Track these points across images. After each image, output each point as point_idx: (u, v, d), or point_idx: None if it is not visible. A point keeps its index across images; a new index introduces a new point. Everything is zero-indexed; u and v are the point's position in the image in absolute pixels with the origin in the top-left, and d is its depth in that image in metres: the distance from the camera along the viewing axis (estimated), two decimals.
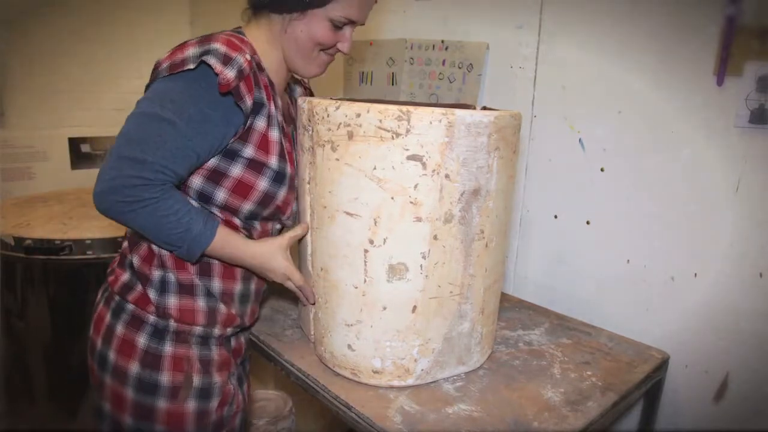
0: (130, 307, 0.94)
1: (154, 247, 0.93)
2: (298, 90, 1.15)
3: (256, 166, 0.91)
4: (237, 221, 0.96)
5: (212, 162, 0.90)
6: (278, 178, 0.94)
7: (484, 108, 1.03)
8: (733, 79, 1.02)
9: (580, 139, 1.29)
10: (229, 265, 0.98)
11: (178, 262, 0.93)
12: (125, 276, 0.96)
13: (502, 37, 1.41)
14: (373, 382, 0.96)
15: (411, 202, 0.86)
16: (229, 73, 0.83)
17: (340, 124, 0.86)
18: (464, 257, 0.91)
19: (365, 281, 0.90)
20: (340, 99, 0.93)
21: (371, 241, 0.88)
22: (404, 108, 0.82)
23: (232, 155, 0.90)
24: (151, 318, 0.93)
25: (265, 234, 1.02)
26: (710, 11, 1.04)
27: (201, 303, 0.95)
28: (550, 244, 1.40)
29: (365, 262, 0.89)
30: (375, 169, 0.85)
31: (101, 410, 0.97)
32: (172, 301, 0.93)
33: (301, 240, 1.04)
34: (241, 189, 0.92)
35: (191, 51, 0.84)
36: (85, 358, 1.01)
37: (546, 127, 1.36)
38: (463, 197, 0.88)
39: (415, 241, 0.88)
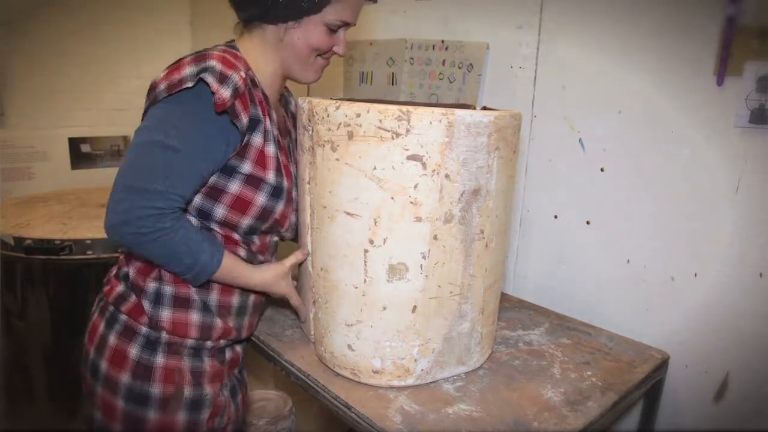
0: (123, 317, 0.94)
1: None
2: (292, 102, 1.16)
3: (253, 181, 0.92)
4: (236, 236, 0.97)
5: (211, 179, 0.90)
6: (276, 192, 0.94)
7: (484, 108, 1.03)
8: (733, 79, 1.02)
9: (580, 139, 1.29)
10: None
11: (176, 276, 0.93)
12: (120, 287, 0.96)
13: (502, 37, 1.41)
14: (373, 382, 0.96)
15: (411, 202, 0.86)
16: (225, 93, 0.83)
17: (340, 124, 0.86)
18: (464, 257, 0.91)
19: (365, 281, 0.90)
20: (340, 99, 0.93)
21: (371, 241, 0.88)
22: (404, 108, 0.82)
23: (230, 172, 0.90)
24: (144, 329, 0.93)
25: (263, 247, 1.03)
26: (710, 11, 1.04)
27: (195, 317, 0.95)
28: (550, 244, 1.40)
29: (365, 262, 0.89)
30: (375, 169, 0.85)
31: (93, 418, 0.97)
32: (166, 314, 0.93)
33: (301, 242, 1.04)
34: (240, 205, 0.92)
35: (188, 70, 0.84)
36: None
37: (546, 127, 1.36)
38: (463, 197, 0.88)
39: (415, 241, 0.88)
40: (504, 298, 1.37)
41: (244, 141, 0.89)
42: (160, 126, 0.84)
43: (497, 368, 1.05)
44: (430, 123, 0.82)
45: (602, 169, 1.26)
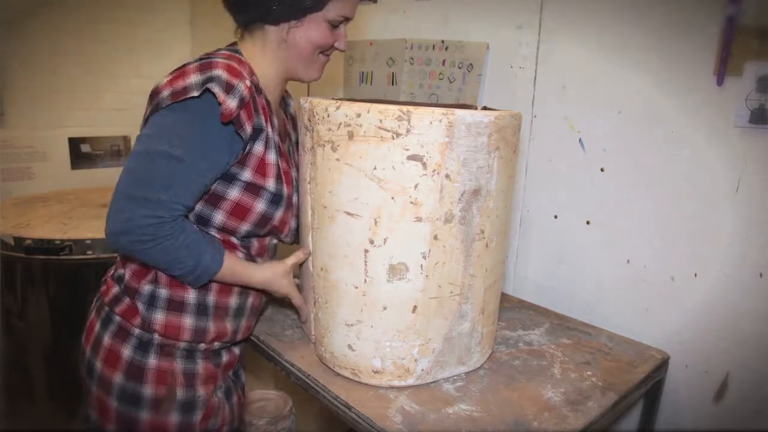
0: (117, 318, 0.94)
1: None
2: (291, 104, 1.16)
3: (253, 189, 0.92)
4: (235, 240, 0.97)
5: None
6: (275, 199, 0.94)
7: (485, 108, 1.03)
8: (733, 79, 1.02)
9: (580, 139, 1.29)
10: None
11: (173, 279, 0.93)
12: (116, 288, 0.96)
13: (502, 37, 1.41)
14: (374, 382, 0.96)
15: (411, 202, 0.86)
16: (232, 103, 0.82)
17: (341, 124, 0.86)
18: (464, 257, 0.91)
19: (365, 281, 0.90)
20: (340, 99, 0.93)
21: (371, 241, 0.88)
22: (404, 108, 0.82)
23: (230, 179, 0.90)
24: (137, 330, 0.93)
25: (262, 249, 1.03)
26: (710, 11, 1.04)
27: (188, 320, 0.95)
28: (550, 244, 1.40)
29: (365, 262, 0.89)
30: (375, 169, 0.85)
31: (89, 417, 0.98)
32: (159, 317, 0.93)
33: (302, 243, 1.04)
34: (239, 211, 0.92)
35: (193, 78, 0.83)
36: None
37: (546, 127, 1.36)
38: (463, 197, 0.88)
39: (415, 241, 0.88)
40: (504, 298, 1.37)
41: (246, 149, 0.89)
42: (163, 134, 0.83)
43: (497, 368, 1.05)
44: (431, 123, 0.82)
45: (602, 169, 1.26)
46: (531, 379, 1.01)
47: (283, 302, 1.26)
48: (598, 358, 1.10)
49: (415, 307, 0.91)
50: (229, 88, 0.83)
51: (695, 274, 1.13)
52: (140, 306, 0.93)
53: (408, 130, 0.82)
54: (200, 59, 0.87)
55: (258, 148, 0.90)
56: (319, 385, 0.98)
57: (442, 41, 1.54)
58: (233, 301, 1.00)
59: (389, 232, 0.87)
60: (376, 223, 0.87)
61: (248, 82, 0.86)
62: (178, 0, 2.63)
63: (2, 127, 2.14)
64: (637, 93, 1.17)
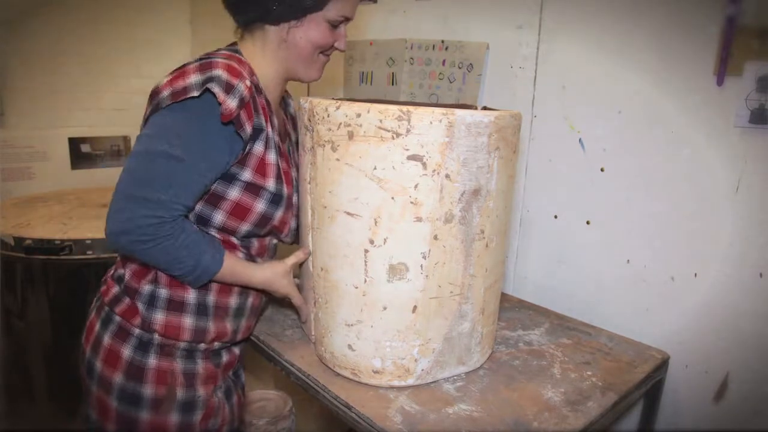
0: (117, 318, 0.94)
1: None
2: (292, 104, 1.15)
3: (253, 189, 0.92)
4: (235, 240, 0.97)
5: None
6: (275, 199, 0.94)
7: (485, 108, 1.03)
8: (733, 79, 1.02)
9: (580, 139, 1.29)
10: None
11: (173, 279, 0.93)
12: (116, 288, 0.97)
13: (502, 37, 1.41)
14: (374, 382, 0.96)
15: (411, 202, 0.86)
16: (232, 103, 0.82)
17: (341, 124, 0.86)
18: (464, 257, 0.91)
19: (365, 281, 0.90)
20: (340, 99, 0.93)
21: (371, 241, 0.88)
22: (404, 108, 0.82)
23: (230, 179, 0.90)
24: (137, 330, 0.93)
25: (262, 249, 1.03)
26: (710, 11, 1.04)
27: (188, 320, 0.95)
28: (550, 244, 1.40)
29: (365, 262, 0.89)
30: (375, 169, 0.85)
31: (89, 417, 0.98)
32: (159, 317, 0.93)
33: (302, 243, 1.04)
34: (239, 211, 0.92)
35: (193, 78, 0.83)
36: None
37: (546, 127, 1.36)
38: (463, 197, 0.88)
39: (415, 241, 0.88)
40: (504, 298, 1.37)
41: (246, 149, 0.89)
42: (163, 134, 0.83)
43: (497, 368, 1.05)
44: (431, 123, 0.82)
45: (602, 169, 1.26)
46: (531, 379, 1.01)
47: (283, 302, 1.26)
48: (598, 358, 1.10)
49: (415, 307, 0.91)
50: (229, 88, 0.82)
51: (695, 274, 1.13)
52: (140, 306, 0.93)
53: (408, 130, 0.82)
54: (200, 59, 0.87)
55: (258, 148, 0.90)
56: (319, 385, 0.98)
57: (442, 41, 1.54)
58: (233, 301, 1.00)
59: (389, 232, 0.87)
60: (376, 223, 0.87)
61: (248, 82, 0.86)
62: (178, 0, 2.63)
63: (2, 127, 2.14)
64: (637, 93, 1.17)
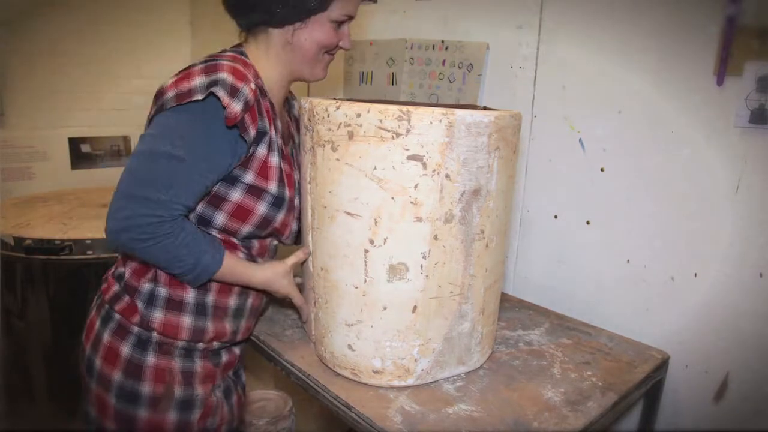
0: (117, 316, 0.95)
1: None
2: (296, 106, 1.15)
3: (255, 191, 0.92)
4: (235, 241, 0.97)
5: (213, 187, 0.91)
6: (277, 202, 0.94)
7: (485, 108, 1.03)
8: (733, 79, 1.02)
9: (580, 139, 1.29)
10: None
11: (173, 278, 0.93)
12: (116, 286, 0.97)
13: (502, 37, 1.41)
14: (374, 382, 0.96)
15: (411, 202, 0.86)
16: (236, 107, 0.82)
17: (341, 124, 0.86)
18: (464, 257, 0.91)
19: (365, 281, 0.90)
20: (340, 99, 0.93)
21: (371, 241, 0.88)
22: (404, 108, 0.82)
23: (232, 180, 0.90)
24: (136, 328, 0.93)
25: (263, 250, 1.03)
26: (710, 11, 1.04)
27: (187, 320, 0.95)
28: (550, 244, 1.40)
29: (365, 262, 0.89)
30: (375, 169, 0.85)
31: (89, 415, 0.98)
32: (158, 315, 0.93)
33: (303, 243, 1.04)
34: (240, 213, 0.92)
35: (198, 81, 0.82)
36: None
37: (546, 127, 1.36)
38: (463, 197, 0.88)
39: (415, 241, 0.88)
40: (504, 298, 1.37)
41: (250, 152, 0.89)
42: (166, 135, 0.83)
43: (497, 368, 1.05)
44: (431, 123, 0.82)
45: (602, 169, 1.26)
46: (531, 379, 1.01)
47: (283, 302, 1.26)
48: (598, 358, 1.10)
49: (415, 307, 0.91)
50: (233, 92, 0.82)
51: (695, 274, 1.13)
52: (139, 304, 0.93)
53: (408, 130, 0.82)
54: (205, 61, 0.87)
55: (261, 151, 0.90)
56: (319, 385, 0.98)
57: (442, 41, 1.54)
58: (232, 301, 1.00)
59: (389, 232, 0.87)
60: (376, 223, 0.87)
61: (253, 85, 0.86)
62: (179, 1, 2.63)
63: (2, 127, 2.14)
64: (637, 93, 1.17)
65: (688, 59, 1.08)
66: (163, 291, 0.94)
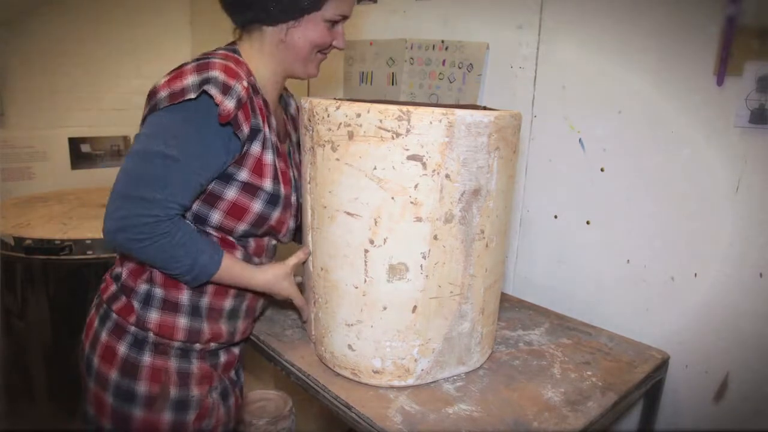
0: (114, 315, 0.95)
1: None
2: (293, 104, 1.15)
3: (250, 189, 0.92)
4: (232, 239, 0.97)
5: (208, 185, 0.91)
6: (272, 200, 0.94)
7: (484, 108, 1.03)
8: (733, 79, 1.02)
9: (580, 139, 1.29)
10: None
11: (169, 279, 0.94)
12: (114, 286, 0.97)
13: (502, 37, 1.41)
14: (374, 382, 0.96)
15: (411, 202, 0.86)
16: (229, 104, 0.83)
17: (341, 124, 0.86)
18: (464, 257, 0.91)
19: (365, 281, 0.90)
20: (340, 99, 0.93)
21: (371, 241, 0.88)
22: (404, 108, 0.82)
23: (227, 179, 0.90)
24: (132, 328, 0.94)
25: (260, 249, 1.03)
26: (710, 11, 1.04)
27: (182, 321, 0.95)
28: (550, 244, 1.40)
29: (365, 262, 0.89)
30: (375, 169, 0.85)
31: (87, 413, 0.98)
32: (154, 316, 0.93)
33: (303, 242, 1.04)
34: (236, 211, 0.92)
35: (190, 79, 0.83)
36: None
37: (546, 127, 1.36)
38: (463, 197, 0.88)
39: (415, 241, 0.88)
40: (504, 298, 1.37)
41: (243, 150, 0.89)
42: (160, 134, 0.83)
43: (497, 368, 1.05)
44: (431, 123, 0.82)
45: (602, 169, 1.26)
46: (531, 379, 1.01)
47: (284, 303, 1.26)
48: (598, 358, 1.10)
49: (415, 307, 0.91)
50: (226, 89, 0.83)
51: (695, 274, 1.13)
52: (136, 304, 0.93)
53: (408, 130, 0.82)
54: (197, 59, 0.87)
55: (255, 148, 0.90)
56: (319, 385, 0.98)
57: (442, 41, 1.54)
58: (228, 303, 1.00)
59: (389, 232, 0.87)
60: (376, 223, 0.87)
61: (245, 83, 0.86)
62: (179, 1, 2.63)
63: (2, 127, 2.14)
64: (637, 93, 1.17)
65: (688, 59, 1.08)
66: (158, 292, 0.94)
